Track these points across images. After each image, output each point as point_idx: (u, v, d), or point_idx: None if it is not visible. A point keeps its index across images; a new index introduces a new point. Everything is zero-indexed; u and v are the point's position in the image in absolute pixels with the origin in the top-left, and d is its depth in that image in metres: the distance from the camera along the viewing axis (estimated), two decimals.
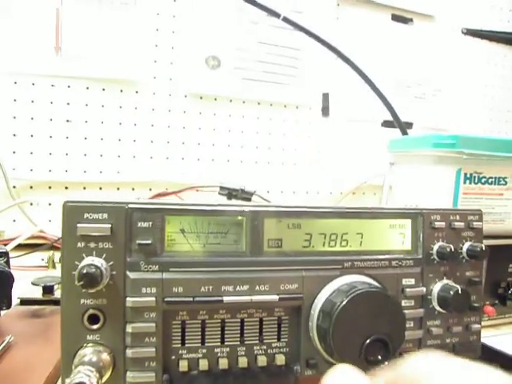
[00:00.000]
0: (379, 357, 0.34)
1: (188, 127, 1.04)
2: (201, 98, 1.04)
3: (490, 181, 0.65)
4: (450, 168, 0.63)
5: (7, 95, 0.96)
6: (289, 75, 1.08)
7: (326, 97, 1.08)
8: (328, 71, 1.09)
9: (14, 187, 0.96)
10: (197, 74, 1.04)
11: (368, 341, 0.34)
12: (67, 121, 1.00)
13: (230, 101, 1.06)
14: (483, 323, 0.45)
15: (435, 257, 0.41)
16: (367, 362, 0.34)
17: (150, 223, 0.36)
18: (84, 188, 1.01)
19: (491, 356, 0.47)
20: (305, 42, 1.05)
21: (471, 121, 1.33)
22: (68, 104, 1.00)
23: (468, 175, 0.64)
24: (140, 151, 1.03)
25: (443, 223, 0.41)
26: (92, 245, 0.35)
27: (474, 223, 0.42)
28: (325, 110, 1.07)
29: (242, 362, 0.37)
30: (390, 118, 1.00)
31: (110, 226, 0.35)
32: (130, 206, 0.35)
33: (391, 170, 0.76)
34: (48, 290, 0.63)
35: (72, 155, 1.00)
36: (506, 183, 0.66)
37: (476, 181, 0.64)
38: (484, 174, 0.65)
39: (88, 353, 0.34)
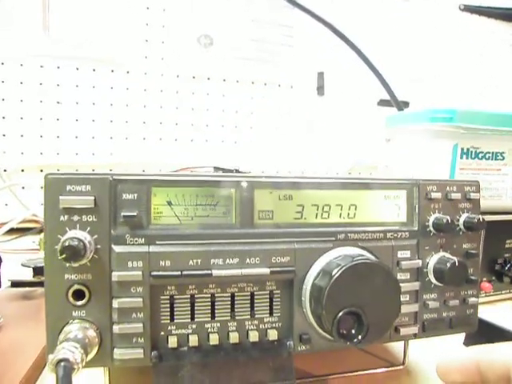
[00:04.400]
0: (352, 331, 0.33)
1: (181, 107, 1.02)
2: (193, 77, 1.02)
3: (487, 156, 0.64)
4: (446, 143, 0.62)
5: None
6: (283, 54, 1.06)
7: (321, 76, 1.06)
8: (323, 50, 1.07)
9: (5, 171, 0.94)
10: (189, 53, 1.01)
11: (340, 314, 0.33)
12: (58, 102, 0.98)
13: (224, 80, 1.04)
14: (480, 300, 0.44)
15: (431, 229, 0.40)
16: (339, 335, 0.33)
17: (136, 195, 0.34)
18: (76, 170, 0.99)
19: (488, 331, 0.46)
20: (299, 19, 1.03)
21: (468, 98, 1.31)
22: (58, 85, 0.98)
23: (465, 150, 0.63)
24: (133, 132, 1.01)
25: (439, 194, 0.40)
26: (75, 218, 0.33)
27: (471, 194, 0.41)
28: (320, 89, 1.05)
29: (234, 337, 0.36)
30: (386, 97, 0.98)
31: (93, 198, 0.33)
32: (115, 177, 0.34)
33: (387, 148, 0.74)
34: (38, 271, 0.62)
35: (63, 137, 0.99)
36: (503, 158, 0.65)
37: (473, 156, 0.63)
38: (481, 149, 0.63)
39: (73, 329, 0.32)
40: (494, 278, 0.64)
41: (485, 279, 0.63)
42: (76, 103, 0.98)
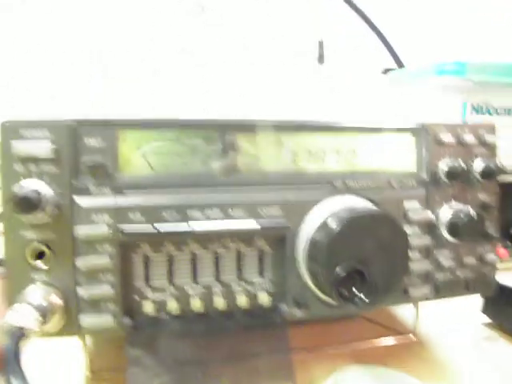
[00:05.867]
0: (356, 292, 0.29)
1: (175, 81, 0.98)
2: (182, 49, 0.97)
3: (498, 111, 0.59)
4: (455, 98, 0.57)
5: None
6: (283, 21, 1.01)
7: (321, 44, 1.00)
8: (323, 17, 1.02)
9: None
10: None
11: (340, 270, 0.28)
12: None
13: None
14: None
15: (442, 176, 0.35)
16: (339, 296, 0.28)
17: (100, 139, 0.30)
18: None
19: (508, 295, 0.41)
20: None
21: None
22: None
23: (475, 105, 0.57)
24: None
25: (450, 138, 0.35)
26: (32, 167, 0.29)
27: (487, 137, 0.36)
28: (320, 58, 1.00)
29: (219, 302, 0.31)
30: (391, 66, 0.93)
31: (50, 143, 0.29)
32: (75, 120, 0.30)
33: (391, 107, 0.69)
34: None
35: None
36: None
37: (484, 111, 0.58)
38: (493, 105, 0.58)
39: (32, 292, 0.28)
40: (510, 243, 0.59)
41: (500, 245, 0.58)
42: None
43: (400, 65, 0.86)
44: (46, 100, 0.90)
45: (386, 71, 1.06)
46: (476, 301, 0.44)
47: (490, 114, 0.58)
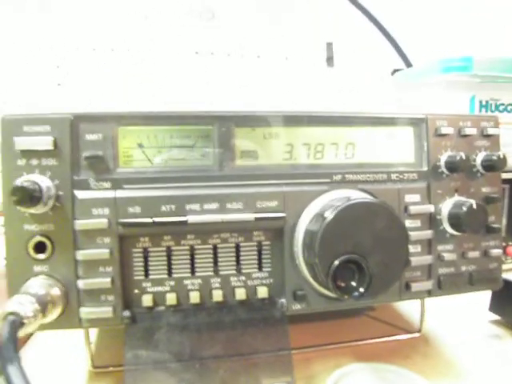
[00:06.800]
0: (352, 283, 0.29)
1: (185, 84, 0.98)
2: (196, 53, 0.98)
3: (508, 108, 0.58)
4: (463, 95, 0.56)
5: None
6: (290, 25, 1.01)
7: (329, 46, 1.00)
8: (332, 18, 1.02)
9: None
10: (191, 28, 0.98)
11: (336, 262, 0.28)
12: (58, 84, 0.95)
13: (228, 55, 1.00)
14: (504, 266, 0.39)
15: (444, 169, 0.35)
16: (336, 287, 0.28)
17: (100, 135, 0.30)
18: None
19: None
20: None
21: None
22: (58, 67, 0.95)
23: (483, 102, 0.57)
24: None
25: (451, 130, 0.35)
26: (34, 162, 0.30)
27: (489, 130, 0.36)
28: (329, 61, 1.00)
29: (217, 295, 0.32)
30: (399, 66, 0.93)
31: (52, 138, 0.29)
32: (76, 115, 0.30)
33: (399, 107, 0.69)
34: None
35: None
36: None
37: (493, 108, 0.57)
38: (502, 101, 0.57)
39: (34, 285, 0.29)
40: None
41: (510, 243, 0.57)
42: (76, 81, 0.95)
43: (409, 65, 0.86)
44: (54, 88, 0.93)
45: (395, 72, 1.05)
46: (483, 298, 0.43)
47: (499, 110, 0.57)
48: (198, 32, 0.97)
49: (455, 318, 0.44)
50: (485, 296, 0.43)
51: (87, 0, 0.94)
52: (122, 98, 0.96)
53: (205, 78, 0.99)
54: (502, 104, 0.57)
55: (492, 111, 0.57)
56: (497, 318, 0.43)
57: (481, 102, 0.56)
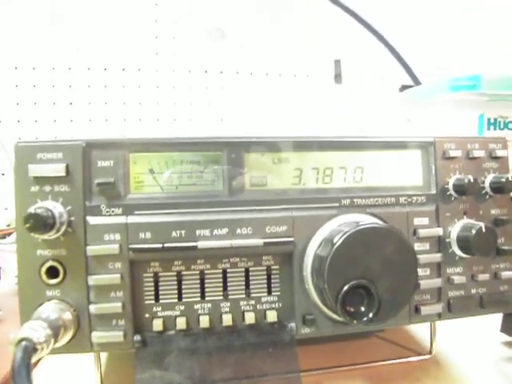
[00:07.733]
0: (361, 308, 0.29)
1: (194, 103, 1.00)
2: (206, 71, 1.00)
3: None
4: (471, 113, 0.56)
5: None
6: (298, 42, 1.02)
7: (337, 63, 1.01)
8: (340, 36, 1.03)
9: None
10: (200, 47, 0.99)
11: (345, 287, 0.28)
12: (70, 103, 0.97)
13: (237, 73, 1.01)
14: None
15: (452, 192, 0.35)
16: (345, 312, 0.28)
17: (112, 162, 0.31)
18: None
19: None
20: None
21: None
22: (70, 87, 0.97)
23: (492, 120, 0.57)
24: (146, 130, 0.99)
25: (459, 152, 0.35)
26: (47, 188, 0.30)
27: (498, 152, 0.36)
28: (337, 77, 1.01)
29: (227, 319, 0.32)
30: (407, 82, 0.93)
31: (65, 165, 0.30)
32: (88, 142, 0.31)
33: (408, 128, 0.69)
34: None
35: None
36: None
37: (502, 126, 0.57)
38: (510, 119, 0.57)
39: (47, 310, 0.29)
40: None
41: None
42: (88, 103, 0.97)
43: (417, 82, 0.86)
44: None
45: (403, 88, 1.06)
46: (494, 318, 0.42)
47: (508, 128, 0.57)
48: (208, 51, 0.99)
49: (466, 339, 0.44)
50: (496, 317, 0.42)
51: (98, 20, 0.97)
52: (134, 117, 0.98)
53: (215, 95, 1.00)
54: (511, 122, 0.57)
55: (501, 129, 0.57)
56: (509, 339, 0.43)
57: (489, 119, 0.57)
